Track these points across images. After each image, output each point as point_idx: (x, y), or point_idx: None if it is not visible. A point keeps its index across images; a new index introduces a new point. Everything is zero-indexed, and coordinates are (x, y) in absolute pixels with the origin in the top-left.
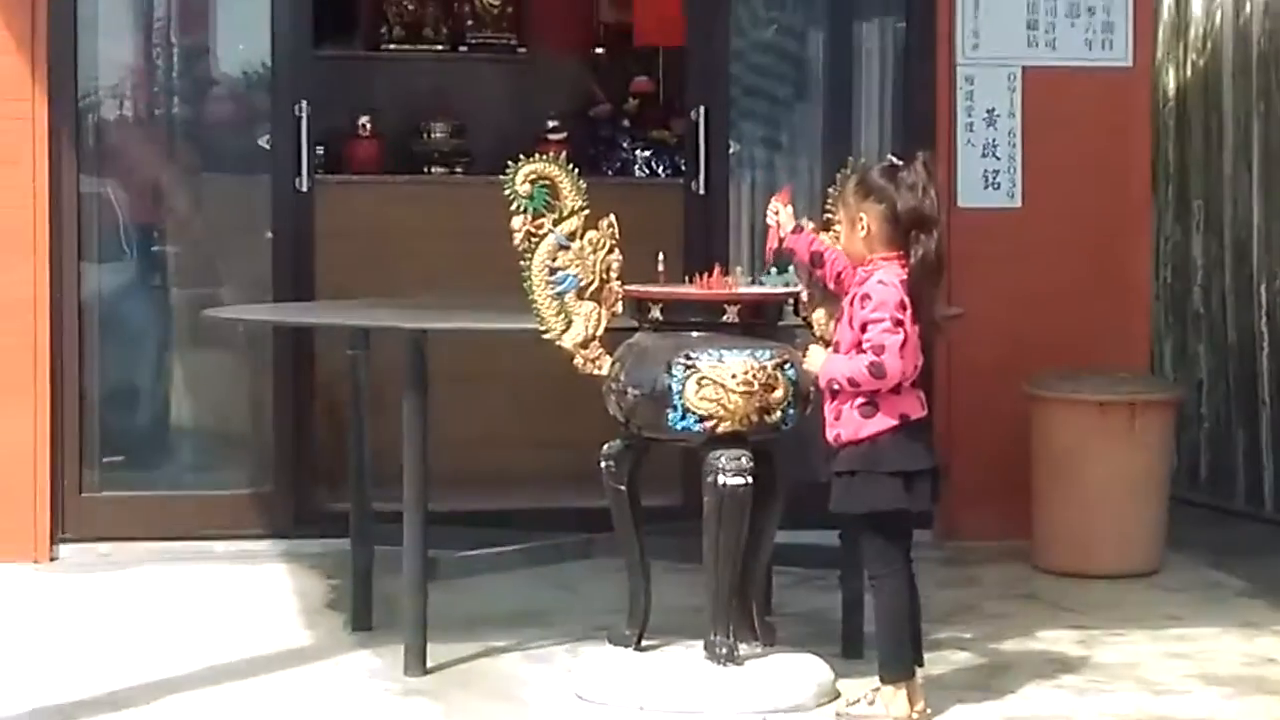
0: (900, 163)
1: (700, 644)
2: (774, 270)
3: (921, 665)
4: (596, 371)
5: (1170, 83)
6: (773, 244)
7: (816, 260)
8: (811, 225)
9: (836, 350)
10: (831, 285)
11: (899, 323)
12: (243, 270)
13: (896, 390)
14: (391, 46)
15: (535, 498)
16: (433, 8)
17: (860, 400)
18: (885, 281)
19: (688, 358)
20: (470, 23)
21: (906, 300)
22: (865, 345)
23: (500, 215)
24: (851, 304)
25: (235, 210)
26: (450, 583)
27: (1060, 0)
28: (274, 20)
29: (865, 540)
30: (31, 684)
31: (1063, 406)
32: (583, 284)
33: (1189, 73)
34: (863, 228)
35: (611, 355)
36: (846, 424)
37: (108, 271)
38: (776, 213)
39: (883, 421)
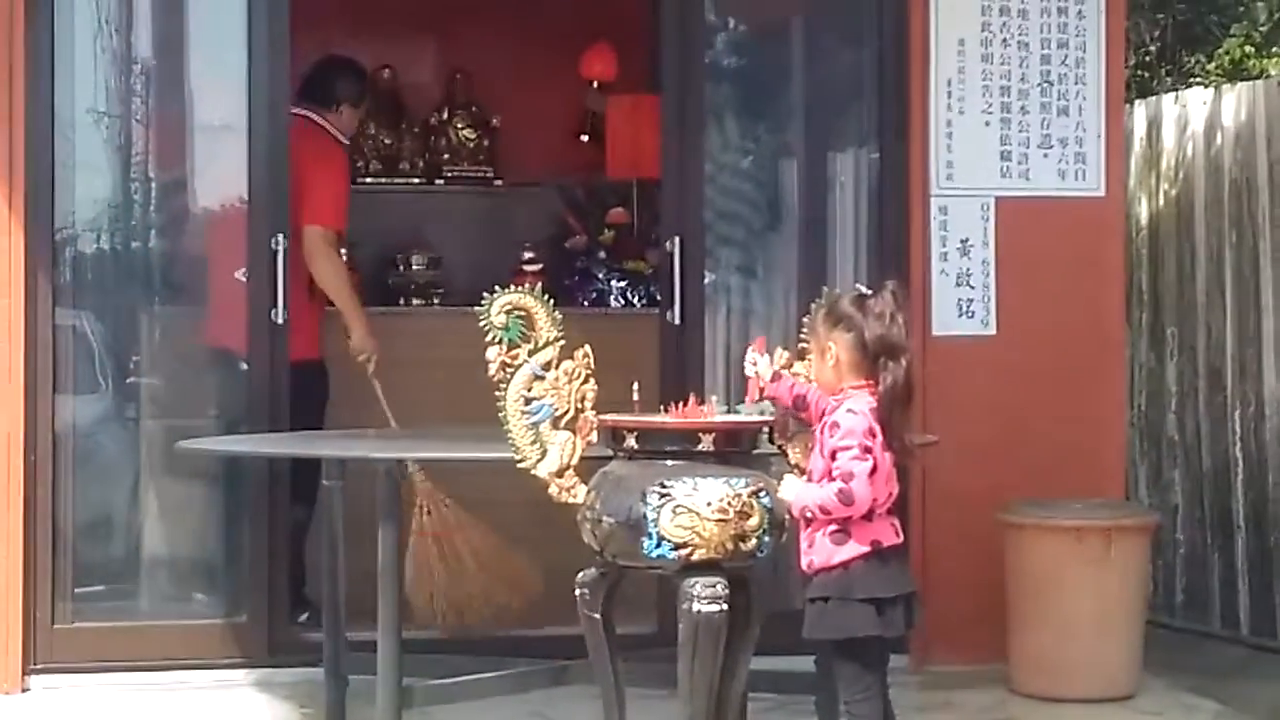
0: (869, 292)
1: None
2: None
3: None
4: (571, 500)
5: (1143, 212)
6: (753, 396)
7: (800, 404)
8: (788, 364)
9: (810, 479)
10: (815, 424)
11: (867, 450)
12: (218, 402)
13: (869, 517)
14: (368, 180)
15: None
16: (409, 141)
17: (833, 528)
18: (854, 410)
19: (663, 486)
20: (446, 156)
21: (876, 428)
22: (835, 473)
23: (476, 346)
24: (822, 432)
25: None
26: (425, 710)
27: (1033, 131)
28: (251, 154)
29: (839, 666)
30: None
31: (1038, 533)
32: (558, 414)
33: (1161, 202)
34: (832, 357)
35: (586, 484)
36: (819, 551)
37: (83, 403)
38: (754, 363)
39: (855, 548)
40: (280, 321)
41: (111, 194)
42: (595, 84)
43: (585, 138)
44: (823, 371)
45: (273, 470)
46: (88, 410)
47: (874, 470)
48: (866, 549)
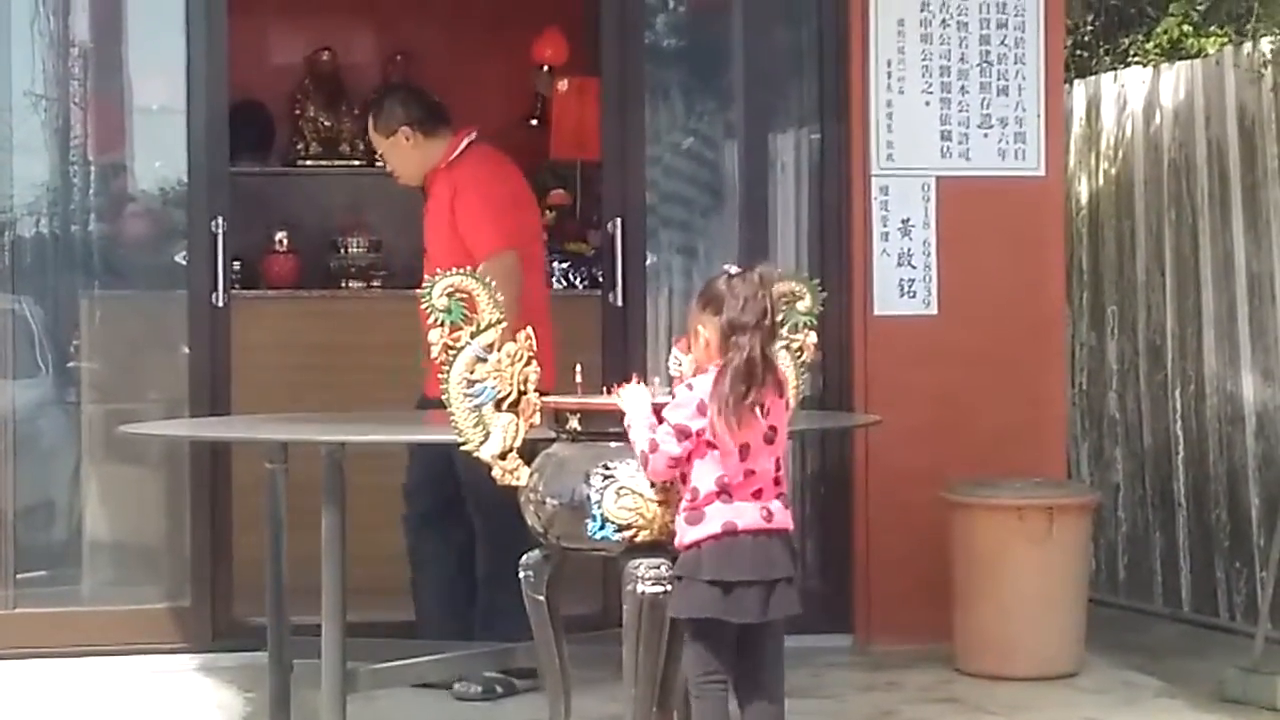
0: (735, 272)
1: None
2: None
3: None
4: (515, 482)
5: (1083, 191)
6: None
7: None
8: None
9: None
10: None
11: (684, 434)
12: (159, 385)
13: (727, 499)
14: (308, 162)
15: None
16: (349, 123)
17: (687, 508)
18: (693, 386)
19: (606, 468)
20: None
21: (707, 413)
22: (655, 432)
23: (417, 329)
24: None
25: (151, 326)
26: (370, 695)
27: (973, 111)
28: (190, 137)
29: (687, 645)
30: None
31: (981, 512)
32: (500, 396)
33: (1101, 181)
34: (701, 338)
35: (530, 466)
36: (678, 530)
37: (22, 387)
38: (680, 363)
39: (704, 530)
40: (220, 305)
41: (50, 177)
42: (545, 68)
43: (535, 122)
44: (696, 352)
45: (215, 454)
46: (27, 395)
47: (680, 458)
48: (716, 531)
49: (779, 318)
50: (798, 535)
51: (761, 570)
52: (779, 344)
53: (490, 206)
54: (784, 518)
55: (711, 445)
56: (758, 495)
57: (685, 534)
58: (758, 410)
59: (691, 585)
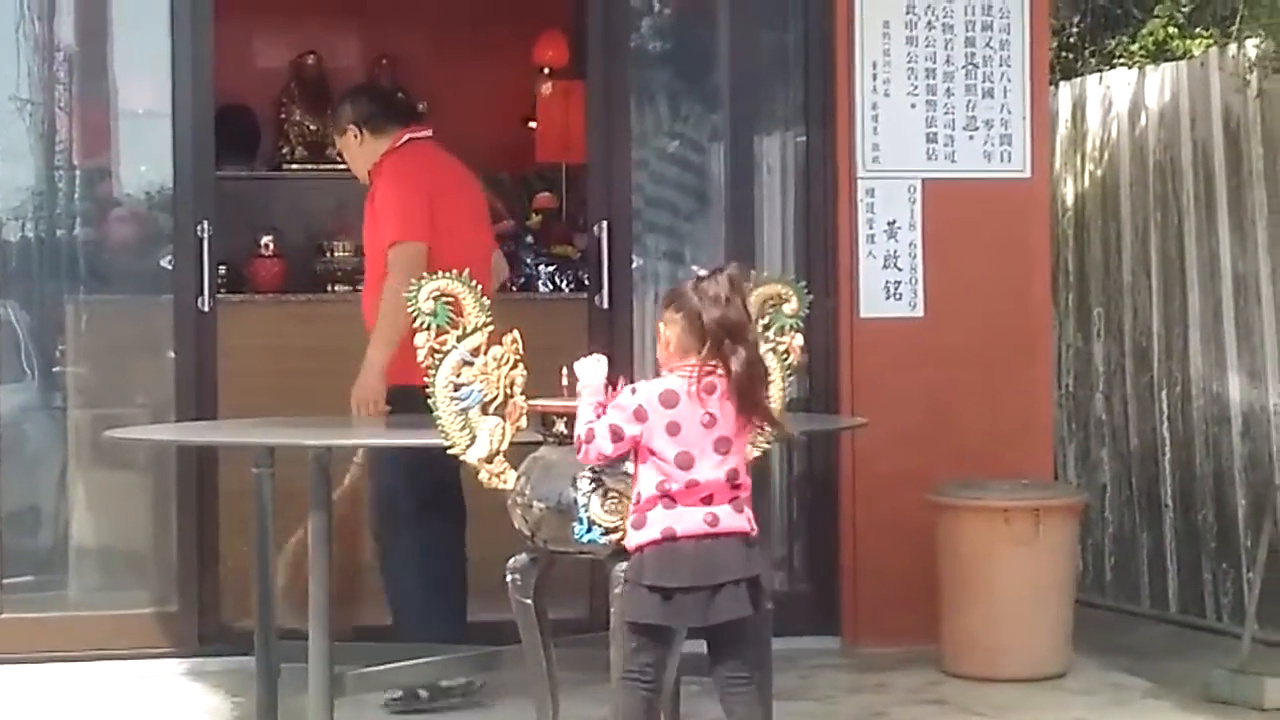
0: (704, 274)
1: None
2: None
3: None
4: (501, 486)
5: (1069, 193)
6: None
7: None
8: None
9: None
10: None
11: (618, 435)
12: (145, 390)
13: (669, 505)
14: (294, 166)
15: None
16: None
17: (633, 513)
18: (637, 390)
19: (593, 471)
20: None
21: (650, 413)
22: (598, 415)
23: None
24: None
25: (137, 330)
26: (358, 699)
27: (958, 113)
28: (175, 141)
29: (625, 637)
30: None
31: (968, 513)
32: (487, 399)
33: (1087, 183)
34: (664, 338)
35: (516, 469)
36: (628, 533)
37: (9, 392)
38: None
39: (646, 535)
40: (206, 309)
41: (35, 181)
42: (546, 70)
43: (533, 125)
44: (660, 351)
45: (201, 458)
46: (13, 400)
47: (613, 454)
48: (656, 536)
49: (765, 320)
50: (784, 538)
51: (705, 575)
52: (765, 347)
53: (399, 198)
54: (735, 521)
55: (652, 451)
56: (707, 500)
57: (630, 537)
58: (708, 417)
59: (635, 590)
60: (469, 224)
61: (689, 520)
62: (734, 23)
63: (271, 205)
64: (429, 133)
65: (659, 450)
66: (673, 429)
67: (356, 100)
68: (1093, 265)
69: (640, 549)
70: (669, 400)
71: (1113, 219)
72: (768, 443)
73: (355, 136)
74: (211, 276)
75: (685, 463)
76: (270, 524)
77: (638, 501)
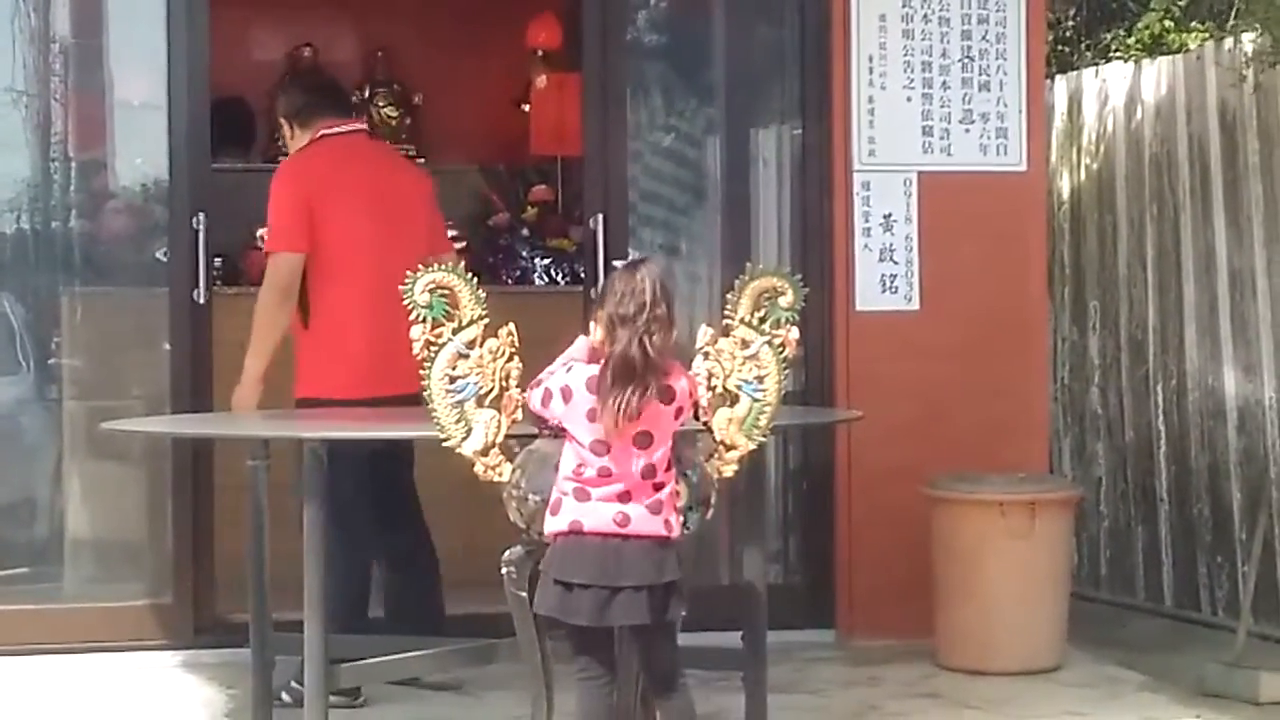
0: (619, 266)
1: None
2: None
3: None
4: (497, 478)
5: (1064, 186)
6: None
7: None
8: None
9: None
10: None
11: (544, 401)
12: (141, 382)
13: (583, 496)
14: None
15: None
16: None
17: (555, 499)
18: (572, 369)
19: None
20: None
21: (558, 399)
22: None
23: None
24: None
25: (133, 322)
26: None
27: (954, 106)
28: (171, 133)
29: (566, 636)
30: None
31: (963, 507)
32: (482, 391)
33: (1083, 176)
34: (594, 330)
35: (512, 462)
36: (545, 520)
37: (4, 384)
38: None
39: (555, 525)
40: (202, 301)
41: (30, 173)
42: (539, 53)
43: (526, 107)
44: (593, 343)
45: (196, 450)
46: (8, 392)
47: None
48: (564, 529)
49: (761, 313)
50: (779, 531)
51: (605, 575)
52: (761, 340)
53: (273, 206)
54: (649, 524)
55: (571, 435)
56: (623, 498)
57: (547, 523)
58: (628, 409)
59: (544, 580)
60: (378, 222)
61: (598, 516)
62: (730, 15)
63: (267, 198)
64: (354, 126)
65: (576, 435)
66: (593, 415)
67: (288, 93)
68: (1088, 259)
69: (552, 538)
70: (593, 387)
71: (1108, 212)
72: (737, 464)
73: (288, 131)
74: (207, 269)
75: (600, 450)
76: (265, 516)
77: (558, 483)
